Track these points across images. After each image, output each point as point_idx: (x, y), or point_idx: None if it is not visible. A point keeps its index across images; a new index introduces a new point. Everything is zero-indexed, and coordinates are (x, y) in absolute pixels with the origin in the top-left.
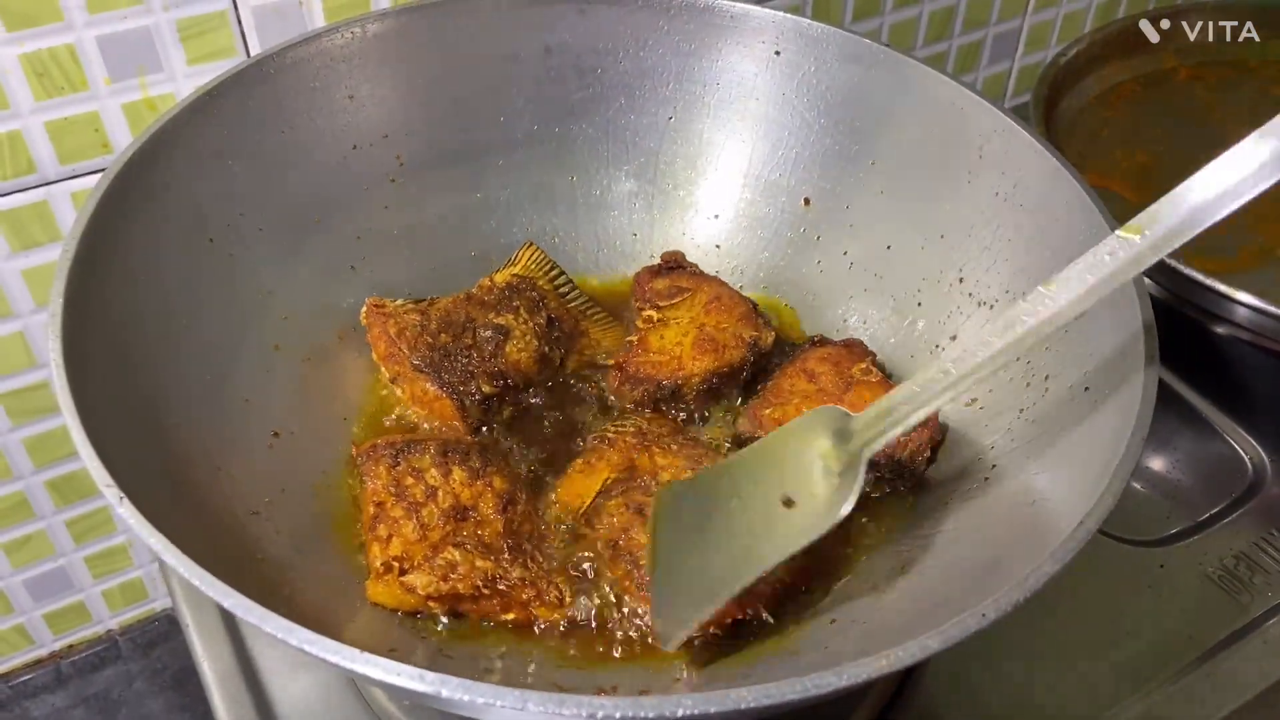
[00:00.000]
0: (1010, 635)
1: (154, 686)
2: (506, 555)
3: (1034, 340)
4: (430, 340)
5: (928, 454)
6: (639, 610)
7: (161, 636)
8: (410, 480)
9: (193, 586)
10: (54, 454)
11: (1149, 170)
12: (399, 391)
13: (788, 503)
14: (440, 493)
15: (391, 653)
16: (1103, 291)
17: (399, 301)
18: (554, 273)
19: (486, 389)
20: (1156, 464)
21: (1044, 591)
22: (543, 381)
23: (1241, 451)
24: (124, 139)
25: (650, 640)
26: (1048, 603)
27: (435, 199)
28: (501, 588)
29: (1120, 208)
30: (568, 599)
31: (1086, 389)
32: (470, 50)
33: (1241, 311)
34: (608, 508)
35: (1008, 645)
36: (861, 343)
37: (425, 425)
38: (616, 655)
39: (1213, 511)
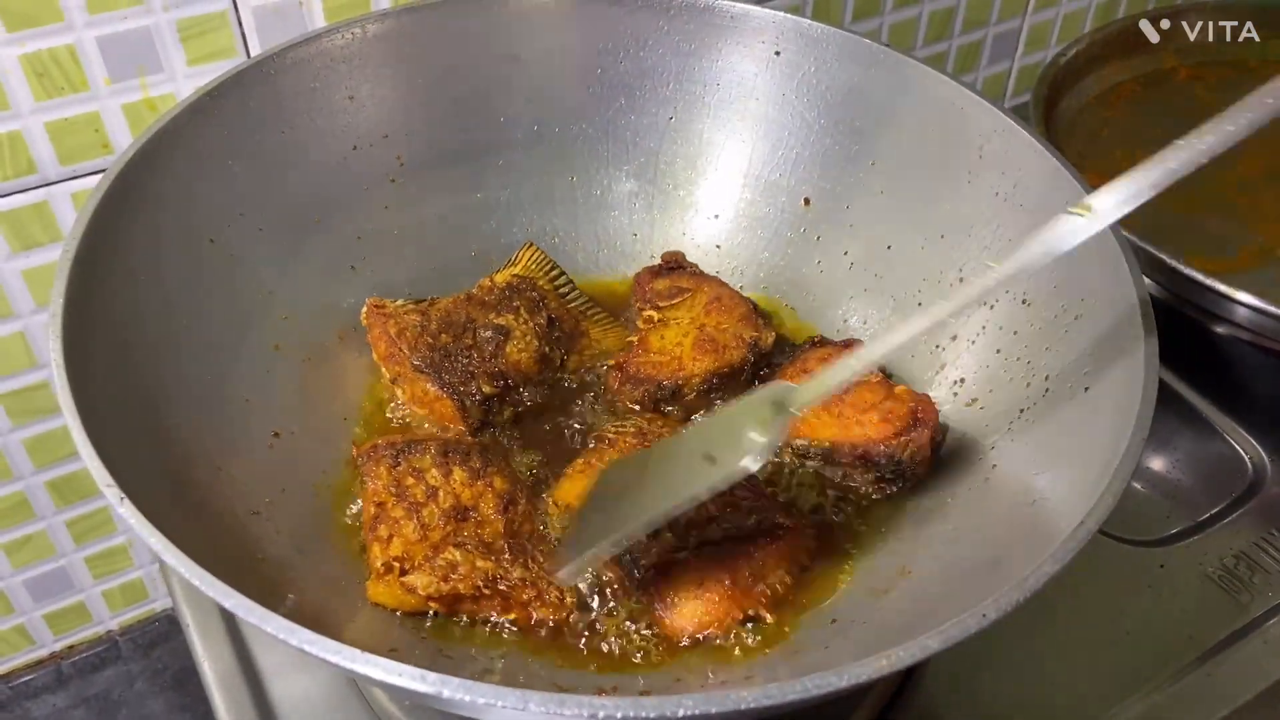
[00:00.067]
0: (1010, 635)
1: (154, 687)
2: (507, 555)
3: (971, 301)
4: (431, 340)
5: (928, 454)
6: (640, 610)
7: (162, 637)
8: (411, 480)
9: (193, 586)
10: (54, 454)
11: None
12: (399, 392)
13: (709, 459)
14: (441, 493)
15: (392, 653)
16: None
17: (399, 302)
18: (554, 273)
19: (487, 389)
20: (1156, 464)
21: (1044, 591)
22: (543, 382)
23: (1241, 451)
24: (124, 139)
25: (651, 640)
26: (1048, 603)
27: (435, 199)
28: (502, 588)
29: None
30: (568, 599)
31: (1086, 389)
32: (470, 50)
33: (1241, 311)
34: None
35: (1008, 645)
36: (861, 343)
37: (426, 426)
38: (617, 655)
39: (1213, 511)
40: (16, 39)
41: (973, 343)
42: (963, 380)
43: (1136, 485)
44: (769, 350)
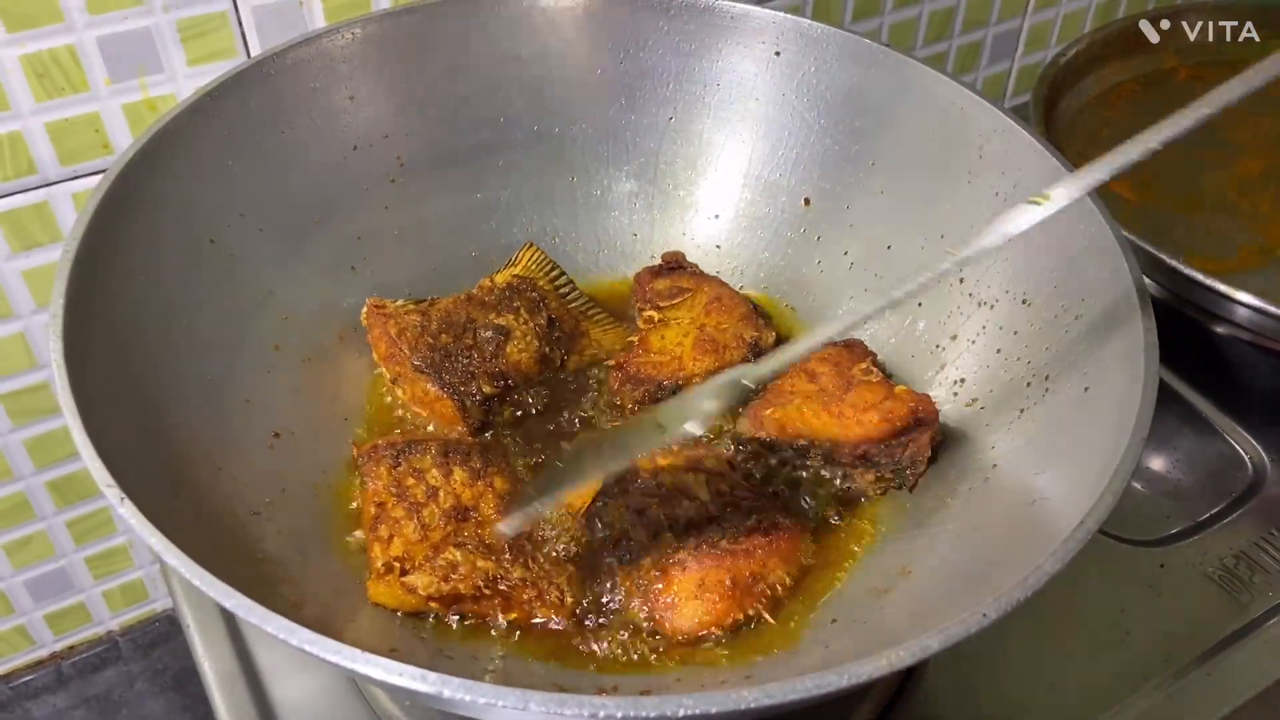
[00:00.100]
0: (1010, 635)
1: (155, 687)
2: (507, 555)
3: (928, 283)
4: (431, 341)
5: (928, 454)
6: (640, 610)
7: (162, 637)
8: (411, 481)
9: (193, 587)
10: (55, 454)
11: (1149, 170)
12: (400, 392)
13: (660, 429)
14: (441, 493)
15: (392, 653)
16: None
17: (399, 302)
18: (554, 273)
19: (487, 390)
20: (1156, 464)
21: (1044, 591)
22: (543, 382)
23: (1241, 451)
24: (124, 140)
25: (651, 640)
26: (1048, 603)
27: (435, 199)
28: (502, 588)
29: (1120, 208)
30: (568, 599)
31: (1086, 389)
32: (471, 50)
33: (1241, 311)
34: (608, 508)
35: (1008, 645)
36: (861, 343)
37: (426, 426)
38: (617, 655)
39: (1213, 511)
40: (17, 39)
41: (973, 343)
42: (963, 380)
43: (1136, 485)
44: (769, 350)
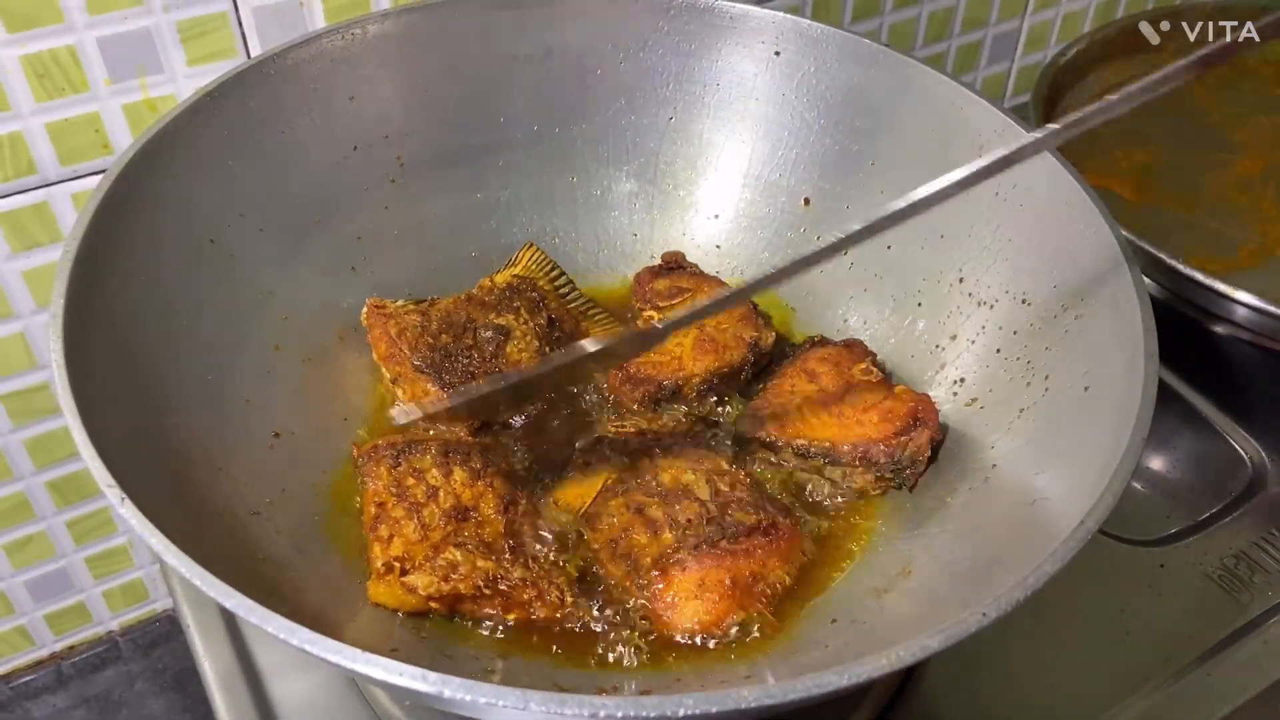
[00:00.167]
0: (1010, 635)
1: (155, 687)
2: (508, 555)
3: (861, 232)
4: (431, 341)
5: (927, 454)
6: (640, 610)
7: (162, 637)
8: (411, 481)
9: (194, 587)
10: (55, 455)
11: (1149, 170)
12: (400, 392)
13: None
14: (441, 493)
15: (393, 653)
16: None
17: (399, 302)
18: (554, 273)
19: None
20: (1156, 464)
21: (1044, 591)
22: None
23: (1241, 451)
24: (124, 140)
25: (651, 640)
26: (1048, 602)
27: (435, 199)
28: (503, 588)
29: (1120, 208)
30: (568, 599)
31: (1086, 389)
32: (470, 50)
33: (1241, 311)
34: (608, 508)
35: (1008, 645)
36: (861, 343)
37: (426, 426)
38: (618, 655)
39: (1213, 511)
40: (17, 40)
41: (973, 342)
42: (963, 380)
43: (1136, 485)
44: (769, 350)
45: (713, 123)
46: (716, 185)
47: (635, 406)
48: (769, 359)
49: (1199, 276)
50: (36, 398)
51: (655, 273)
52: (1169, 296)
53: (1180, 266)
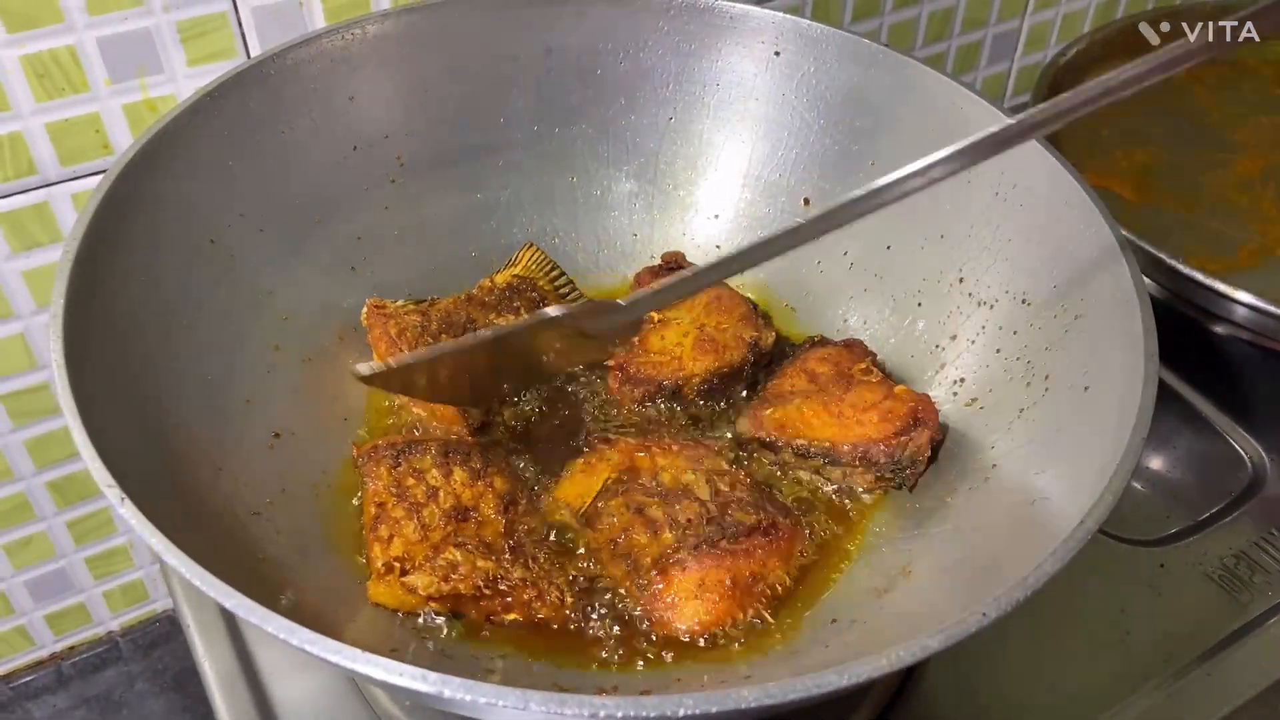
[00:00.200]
0: (1010, 635)
1: (155, 687)
2: (507, 555)
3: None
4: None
5: (927, 454)
6: (640, 610)
7: (162, 637)
8: (411, 481)
9: (194, 587)
10: (55, 455)
11: (1149, 170)
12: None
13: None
14: (441, 493)
15: (393, 653)
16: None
17: (399, 302)
18: (554, 273)
19: None
20: (1156, 464)
21: (1044, 591)
22: (544, 382)
23: (1241, 451)
24: (124, 140)
25: (651, 640)
26: (1048, 603)
27: (435, 199)
28: (502, 588)
29: (1120, 208)
30: (568, 599)
31: (1086, 389)
32: (470, 50)
33: (1241, 311)
34: (608, 508)
35: (1008, 645)
36: (861, 343)
37: (426, 426)
38: (617, 655)
39: (1213, 511)
40: (17, 40)
41: (972, 343)
42: (963, 380)
43: (1136, 485)
44: (769, 350)
45: (713, 123)
46: (716, 185)
47: (635, 406)
48: (769, 359)
49: (1199, 276)
50: (36, 398)
51: (655, 273)
52: (1169, 296)
53: (1180, 266)
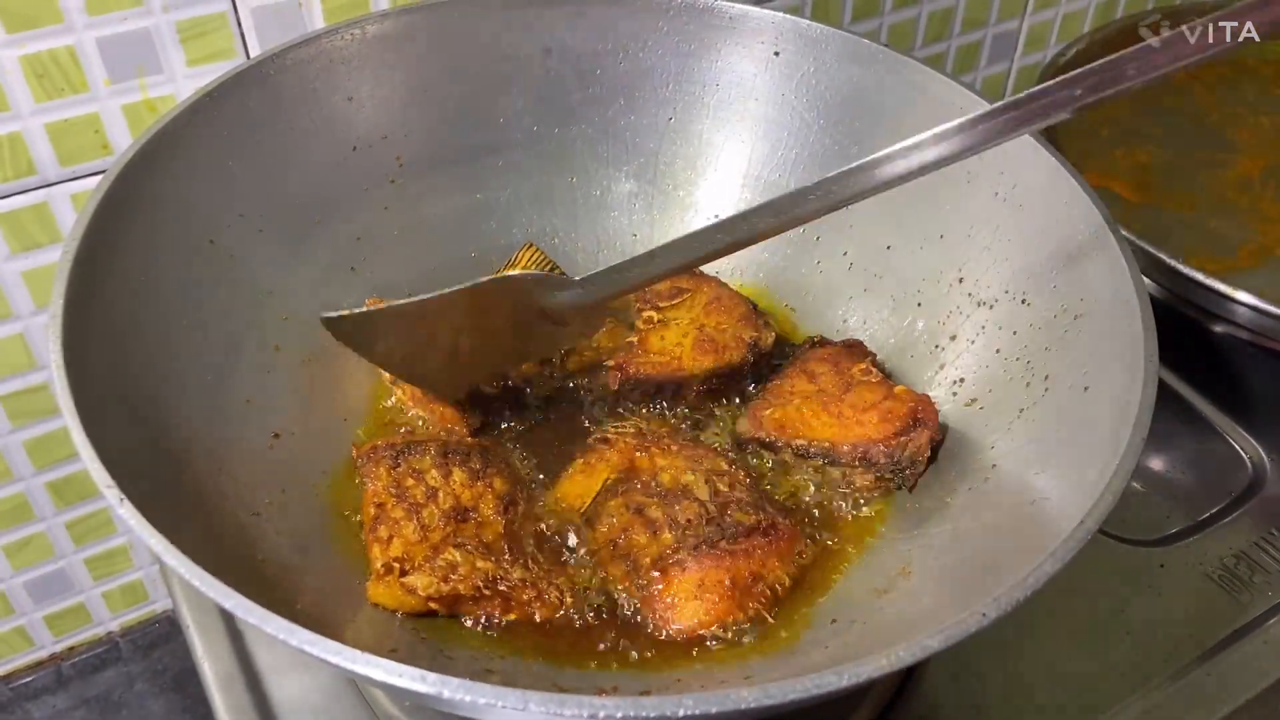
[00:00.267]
0: (1010, 635)
1: (155, 688)
2: (507, 556)
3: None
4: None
5: (927, 454)
6: (640, 610)
7: (162, 638)
8: (411, 481)
9: (193, 588)
10: (54, 455)
11: (1149, 170)
12: (399, 392)
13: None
14: (441, 494)
15: (392, 653)
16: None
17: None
18: (554, 273)
19: (487, 390)
20: (1156, 464)
21: (1044, 591)
22: (543, 382)
23: (1241, 451)
24: (124, 140)
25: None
26: (1048, 602)
27: (435, 200)
28: (502, 588)
29: (1120, 207)
30: (568, 600)
31: (1086, 389)
32: (470, 51)
33: (1241, 311)
34: (608, 508)
35: (1008, 645)
36: (861, 343)
37: (426, 426)
38: (617, 656)
39: (1212, 511)
40: (16, 40)
41: (972, 343)
42: (962, 380)
43: (1136, 485)
44: (769, 350)
45: (712, 123)
46: (716, 185)
47: (635, 407)
48: (769, 359)
49: (1199, 276)
50: (36, 398)
51: None
52: (1169, 296)
53: (1180, 266)
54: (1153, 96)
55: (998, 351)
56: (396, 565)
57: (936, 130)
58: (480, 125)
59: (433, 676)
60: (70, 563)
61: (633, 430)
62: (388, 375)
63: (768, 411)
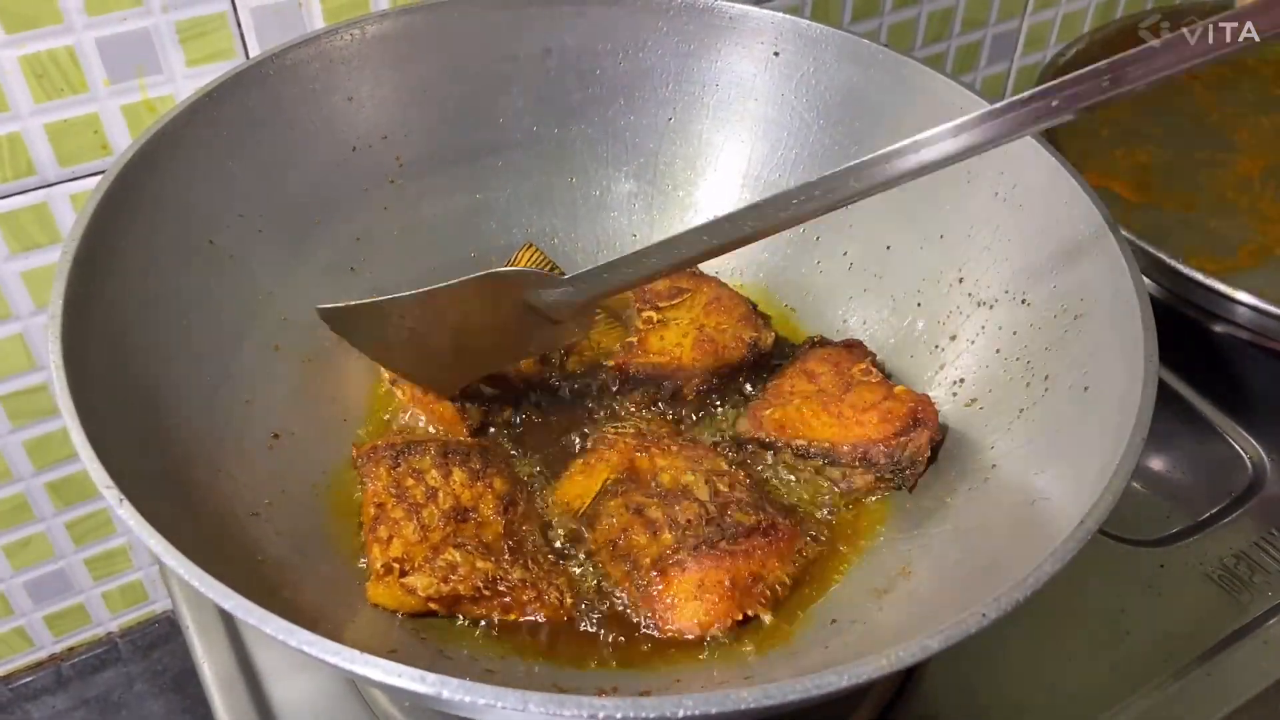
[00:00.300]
0: (1010, 635)
1: (154, 688)
2: (507, 556)
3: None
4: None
5: (927, 454)
6: (640, 611)
7: (162, 638)
8: (410, 481)
9: (193, 588)
10: (54, 456)
11: (1149, 170)
12: (399, 393)
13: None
14: (440, 494)
15: (392, 654)
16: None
17: None
18: (554, 273)
19: (486, 390)
20: (1156, 464)
21: (1044, 591)
22: (543, 382)
23: (1241, 451)
24: (123, 141)
25: (651, 640)
26: (1048, 603)
27: (435, 200)
28: (502, 589)
29: (1120, 207)
30: (568, 600)
31: (1086, 389)
32: (470, 51)
33: (1241, 311)
34: (607, 508)
35: (1008, 645)
36: (861, 343)
37: (426, 427)
38: (617, 656)
39: (1213, 511)
40: (16, 40)
41: (972, 343)
42: (962, 380)
43: (1136, 485)
44: (769, 350)
45: (712, 123)
46: (716, 186)
47: (634, 407)
48: (769, 359)
49: (1199, 276)
50: (35, 399)
51: None
52: (1169, 296)
53: (1180, 266)
54: (1153, 96)
55: (998, 351)
56: (396, 565)
57: (933, 131)
58: (480, 125)
59: (432, 677)
60: (70, 563)
61: (633, 430)
62: (388, 375)
63: (768, 411)
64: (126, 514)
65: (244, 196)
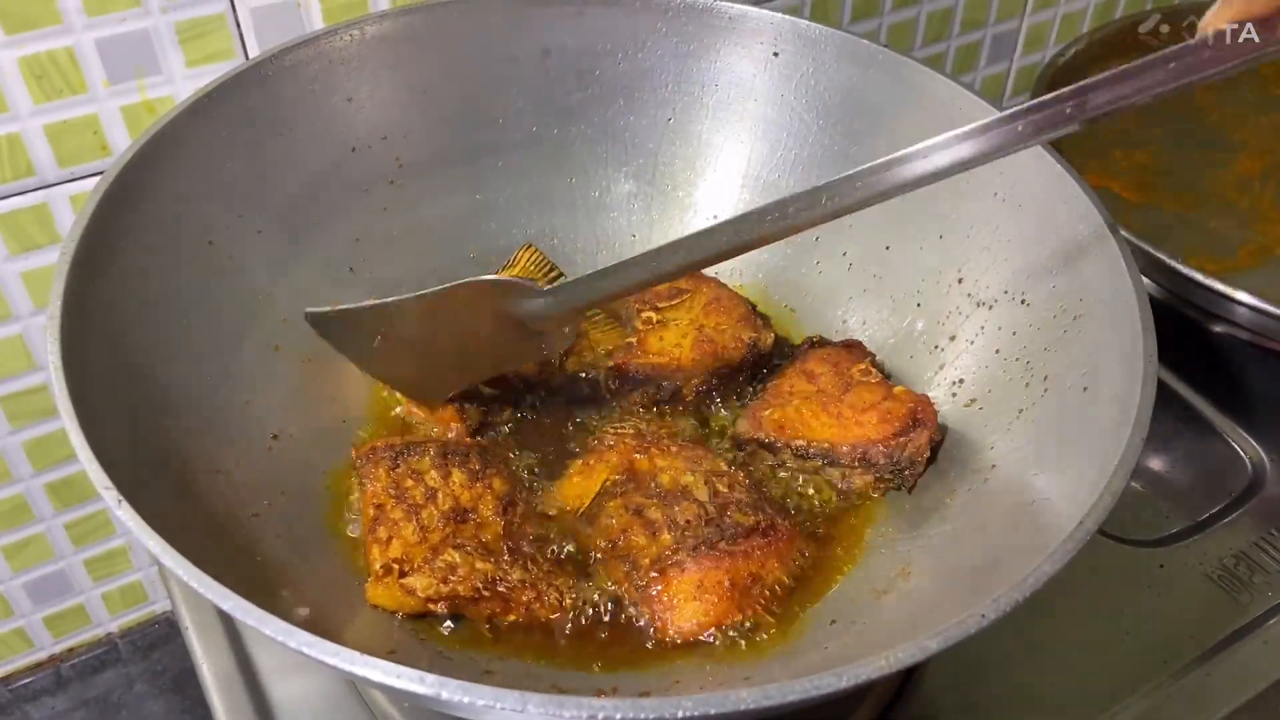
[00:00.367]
0: (1010, 635)
1: (154, 689)
2: (506, 557)
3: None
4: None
5: (926, 454)
6: (639, 611)
7: (161, 639)
8: (410, 482)
9: (192, 589)
10: (53, 456)
11: (1149, 170)
12: (399, 393)
13: None
14: (440, 495)
15: (391, 655)
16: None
17: None
18: (553, 274)
19: (486, 390)
20: (1156, 464)
21: (1044, 591)
22: (542, 383)
23: (1241, 451)
24: (123, 141)
25: (651, 641)
26: (1048, 603)
27: (434, 201)
28: (501, 589)
29: (1120, 208)
30: (567, 600)
31: (1086, 389)
32: (469, 52)
33: (1241, 311)
34: (607, 509)
35: (1008, 645)
36: (861, 343)
37: (425, 427)
38: (616, 656)
39: (1212, 511)
40: (15, 41)
41: (971, 343)
42: (962, 380)
43: (1136, 485)
44: (768, 351)
45: (711, 123)
46: (715, 186)
47: (634, 408)
48: (768, 359)
49: (1199, 276)
50: (35, 399)
51: None
52: (1169, 296)
53: (1180, 266)
54: None
55: (997, 352)
56: (396, 566)
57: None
58: (480, 125)
59: (431, 678)
60: (69, 564)
61: (632, 431)
62: None
63: (767, 412)
64: (125, 515)
65: (243, 197)
